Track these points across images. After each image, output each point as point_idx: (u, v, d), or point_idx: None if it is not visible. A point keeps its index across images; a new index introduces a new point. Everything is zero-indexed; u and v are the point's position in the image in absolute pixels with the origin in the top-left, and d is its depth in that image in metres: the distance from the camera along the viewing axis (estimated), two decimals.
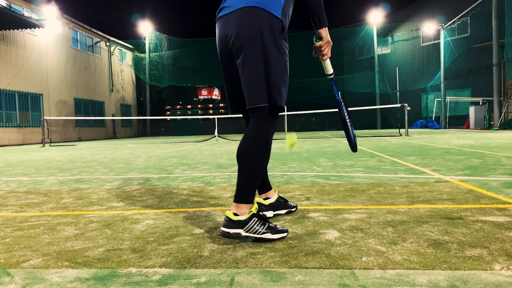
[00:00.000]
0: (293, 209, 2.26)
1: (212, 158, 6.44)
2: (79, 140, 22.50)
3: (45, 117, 14.85)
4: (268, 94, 1.74)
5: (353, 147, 2.02)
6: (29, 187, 3.63)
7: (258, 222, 1.71)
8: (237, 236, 1.69)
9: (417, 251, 1.52)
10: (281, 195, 2.60)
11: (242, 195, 1.73)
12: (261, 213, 2.14)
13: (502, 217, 2.00)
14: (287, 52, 1.83)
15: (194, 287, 1.25)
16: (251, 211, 1.72)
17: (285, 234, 1.74)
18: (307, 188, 3.10)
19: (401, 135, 14.42)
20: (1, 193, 3.32)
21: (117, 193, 3.15)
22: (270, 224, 1.74)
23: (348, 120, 2.00)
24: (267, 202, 2.15)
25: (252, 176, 1.75)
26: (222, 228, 1.70)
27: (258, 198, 2.17)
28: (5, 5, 16.80)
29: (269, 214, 2.15)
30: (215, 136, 16.62)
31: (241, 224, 1.69)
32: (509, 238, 1.66)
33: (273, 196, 2.17)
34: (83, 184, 3.74)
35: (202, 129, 31.07)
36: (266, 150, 1.78)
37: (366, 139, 11.95)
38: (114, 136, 27.11)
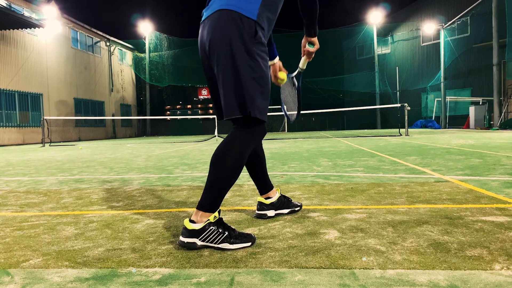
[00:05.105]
0: (296, 208, 2.25)
1: None
2: (79, 140, 22.50)
3: (45, 117, 14.84)
4: (240, 105, 1.66)
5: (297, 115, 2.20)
6: (29, 187, 3.63)
7: (214, 231, 1.63)
8: (192, 246, 1.61)
9: (417, 251, 1.52)
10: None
11: (203, 203, 1.67)
12: (263, 214, 2.15)
13: (502, 217, 2.00)
14: (264, 56, 1.74)
15: (194, 287, 1.25)
16: (208, 220, 1.64)
17: (247, 244, 1.64)
18: (307, 188, 3.10)
19: (401, 135, 14.42)
20: (1, 193, 3.32)
21: (117, 193, 3.15)
22: (233, 232, 1.65)
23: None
24: (268, 201, 2.15)
25: (217, 186, 1.67)
26: (180, 237, 1.65)
27: (259, 198, 2.17)
28: (5, 5, 16.80)
29: (271, 213, 2.15)
30: (215, 136, 16.61)
31: (195, 233, 1.62)
32: (509, 238, 1.66)
33: (274, 196, 2.17)
34: (83, 184, 3.74)
35: (202, 129, 31.05)
36: (238, 163, 1.70)
37: (366, 139, 11.95)
38: (114, 136, 27.11)
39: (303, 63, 2.18)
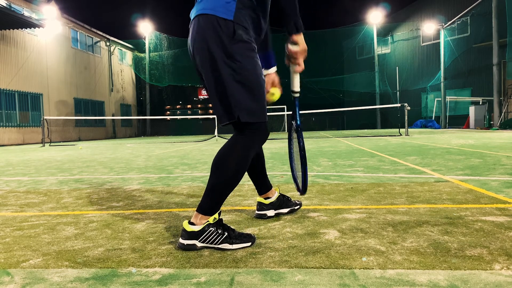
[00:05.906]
0: (296, 207, 2.25)
1: (212, 158, 6.43)
2: (79, 140, 22.49)
3: (45, 117, 14.84)
4: (227, 111, 1.63)
5: (304, 188, 1.87)
6: (29, 187, 3.63)
7: (214, 232, 1.63)
8: (192, 248, 1.61)
9: (417, 251, 1.52)
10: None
11: (202, 205, 1.67)
12: (264, 213, 2.15)
13: (502, 217, 2.00)
14: (249, 54, 1.65)
15: (194, 287, 1.25)
16: (207, 221, 1.64)
17: (247, 244, 1.64)
18: (307, 188, 3.10)
19: (401, 134, 14.42)
20: (1, 193, 3.32)
21: (117, 193, 3.15)
22: (232, 233, 1.65)
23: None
24: (267, 201, 2.15)
25: (218, 190, 1.66)
26: (179, 239, 1.65)
27: (258, 198, 2.17)
28: (5, 4, 16.80)
29: (271, 213, 2.15)
30: (215, 136, 16.62)
31: (194, 235, 1.62)
32: (509, 238, 1.66)
33: (273, 195, 2.17)
34: (83, 184, 3.74)
35: (202, 129, 31.04)
36: (240, 167, 1.68)
37: (366, 139, 11.95)
38: (114, 136, 27.11)
39: (293, 82, 1.81)
